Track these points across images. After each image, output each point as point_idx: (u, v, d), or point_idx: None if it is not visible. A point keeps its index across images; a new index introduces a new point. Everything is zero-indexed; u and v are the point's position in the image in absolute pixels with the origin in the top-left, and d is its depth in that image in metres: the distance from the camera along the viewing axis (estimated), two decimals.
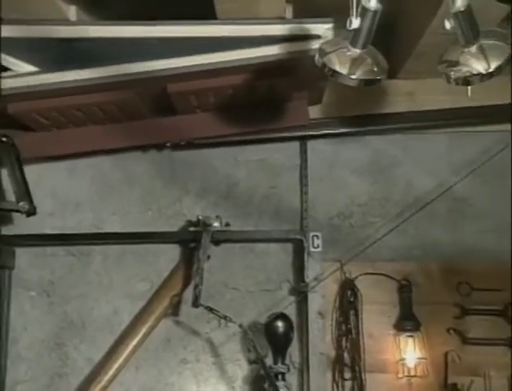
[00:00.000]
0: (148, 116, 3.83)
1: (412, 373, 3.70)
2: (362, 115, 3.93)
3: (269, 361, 3.71)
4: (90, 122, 3.84)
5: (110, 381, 3.82)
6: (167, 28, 3.36)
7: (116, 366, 3.80)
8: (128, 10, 3.51)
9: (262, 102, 3.76)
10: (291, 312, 3.88)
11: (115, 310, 4.01)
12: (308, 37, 3.36)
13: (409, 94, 3.93)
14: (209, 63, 3.41)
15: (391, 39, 3.87)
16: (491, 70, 2.57)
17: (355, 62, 2.81)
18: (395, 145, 4.02)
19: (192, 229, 3.94)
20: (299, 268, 3.90)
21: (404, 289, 3.80)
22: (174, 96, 3.63)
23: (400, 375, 3.73)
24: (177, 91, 3.57)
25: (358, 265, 3.83)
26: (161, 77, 3.46)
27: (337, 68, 2.80)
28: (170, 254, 4.03)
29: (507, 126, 3.88)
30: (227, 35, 3.37)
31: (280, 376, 3.70)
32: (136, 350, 3.88)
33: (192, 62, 3.41)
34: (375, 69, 2.83)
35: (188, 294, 3.81)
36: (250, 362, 3.92)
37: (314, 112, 3.97)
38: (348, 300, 3.83)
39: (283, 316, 3.78)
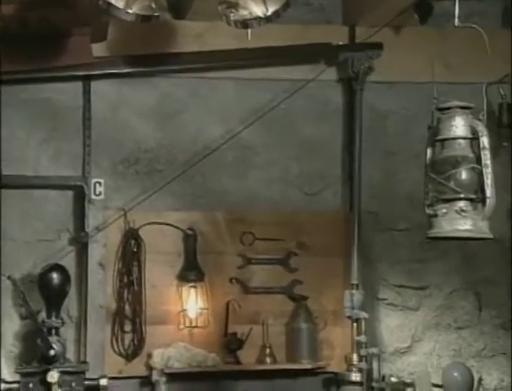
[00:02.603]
0: None
1: (194, 324, 3.40)
2: (149, 54, 3.36)
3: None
4: None
5: None
6: None
7: None
8: None
9: (40, 37, 3.12)
10: (70, 263, 3.35)
11: None
12: None
13: (198, 35, 3.41)
14: None
15: None
16: (269, 14, 2.31)
17: None
18: (183, 89, 3.52)
19: None
20: (80, 216, 3.41)
21: (189, 239, 3.46)
22: None
23: (182, 326, 3.41)
24: None
25: (142, 214, 3.42)
26: None
27: (113, 0, 2.41)
28: None
29: (296, 74, 3.49)
30: None
31: (53, 331, 3.13)
32: None
33: None
34: (153, 6, 2.44)
35: None
36: (22, 317, 3.33)
37: (98, 49, 3.33)
38: (131, 251, 3.41)
39: (58, 267, 3.21)
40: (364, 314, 3.23)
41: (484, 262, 3.62)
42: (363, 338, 3.20)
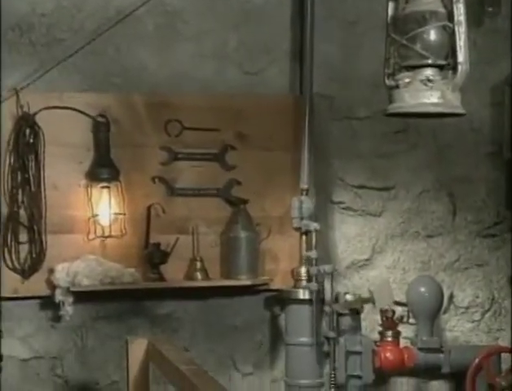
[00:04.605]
0: None
1: (107, 232, 3.34)
2: None
3: None
4: None
5: None
6: None
7: None
8: None
9: None
10: None
11: None
12: None
13: None
14: None
15: None
16: None
17: None
18: None
19: None
20: None
21: (100, 128, 3.37)
22: None
23: (92, 236, 3.34)
24: None
25: (40, 96, 3.30)
26: None
27: None
28: None
29: None
30: None
31: None
32: None
33: None
34: None
35: None
36: None
37: None
38: (26, 142, 3.31)
39: None
40: (315, 225, 3.19)
41: (460, 156, 3.62)
42: (313, 254, 3.17)
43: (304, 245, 3.26)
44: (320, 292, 3.18)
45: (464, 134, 3.52)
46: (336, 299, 3.23)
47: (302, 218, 3.23)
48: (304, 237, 3.26)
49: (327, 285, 3.13)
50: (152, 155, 3.39)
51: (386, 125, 3.47)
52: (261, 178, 3.46)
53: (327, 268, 3.14)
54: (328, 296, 3.12)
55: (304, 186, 3.29)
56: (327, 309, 3.13)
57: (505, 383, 3.29)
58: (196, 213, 3.42)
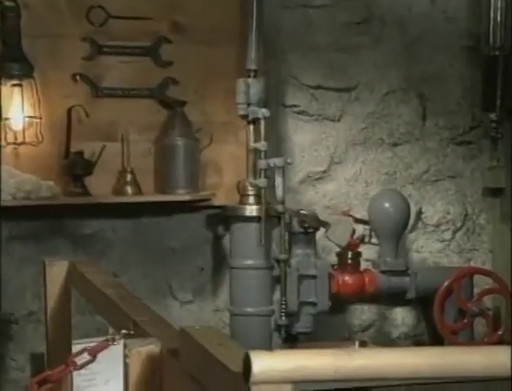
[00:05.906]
0: None
1: (20, 139, 3.25)
2: None
3: None
4: None
5: None
6: None
7: None
8: None
9: None
10: None
11: None
12: None
13: None
14: None
15: None
16: None
17: None
18: None
19: None
20: None
21: (8, 14, 3.23)
22: None
23: (3, 143, 3.23)
24: None
25: None
26: None
27: None
28: None
29: None
30: None
31: None
32: None
33: None
34: None
35: None
36: None
37: None
38: None
39: None
40: (263, 112, 3.06)
41: (432, 51, 3.53)
42: (262, 145, 3.03)
43: (252, 137, 3.13)
44: (270, 209, 3.04)
45: (436, 25, 3.42)
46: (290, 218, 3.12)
47: (249, 104, 3.11)
48: (252, 127, 3.13)
49: (278, 182, 3.02)
50: (72, 48, 3.27)
51: (346, 15, 3.37)
52: (201, 77, 3.36)
53: (277, 161, 3.01)
54: (279, 194, 3.01)
55: (251, 66, 3.14)
56: (279, 208, 3.03)
57: (476, 308, 3.26)
58: (125, 116, 3.33)
